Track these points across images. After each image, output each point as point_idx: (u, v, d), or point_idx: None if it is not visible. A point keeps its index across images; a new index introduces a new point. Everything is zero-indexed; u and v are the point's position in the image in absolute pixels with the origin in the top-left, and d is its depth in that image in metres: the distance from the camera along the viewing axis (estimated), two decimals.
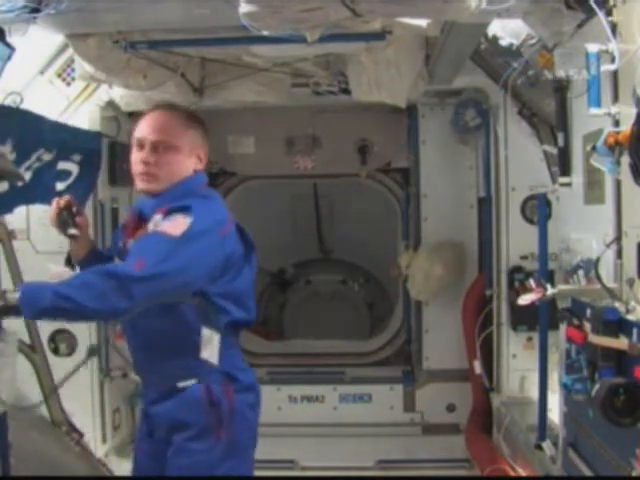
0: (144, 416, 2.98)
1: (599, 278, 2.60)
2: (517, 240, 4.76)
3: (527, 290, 2.92)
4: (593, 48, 2.54)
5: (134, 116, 4.52)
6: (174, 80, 4.28)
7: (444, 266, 5.41)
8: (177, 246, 2.55)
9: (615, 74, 2.61)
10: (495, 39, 3.57)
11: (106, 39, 3.71)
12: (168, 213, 2.68)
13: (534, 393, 4.12)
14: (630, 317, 2.43)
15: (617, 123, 2.57)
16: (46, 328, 4.60)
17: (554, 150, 3.61)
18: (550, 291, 2.87)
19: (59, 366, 4.61)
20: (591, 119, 2.69)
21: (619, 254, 2.63)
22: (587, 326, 2.68)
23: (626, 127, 2.41)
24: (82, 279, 2.52)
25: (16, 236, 4.49)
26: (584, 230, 3.02)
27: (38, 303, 2.38)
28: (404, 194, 6.24)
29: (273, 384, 5.74)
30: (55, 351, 4.67)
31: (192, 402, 2.77)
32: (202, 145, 2.90)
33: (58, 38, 3.95)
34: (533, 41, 3.36)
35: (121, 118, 4.89)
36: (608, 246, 2.67)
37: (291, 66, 4.44)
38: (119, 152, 4.82)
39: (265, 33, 2.97)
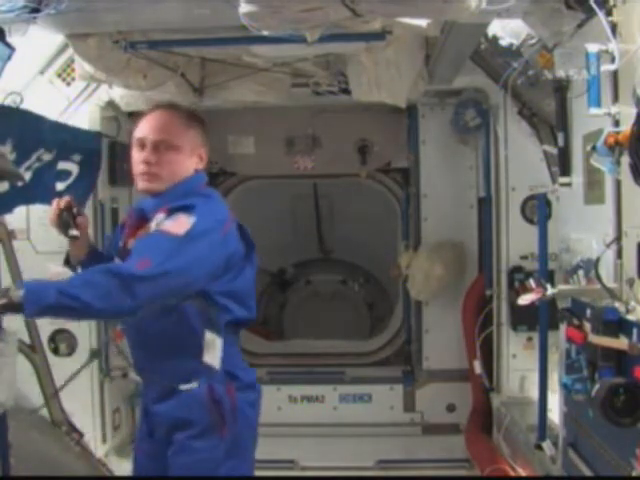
0: (144, 415, 2.98)
1: (599, 278, 2.60)
2: (517, 240, 4.76)
3: (527, 290, 2.92)
4: (593, 48, 2.54)
5: (134, 116, 4.51)
6: (174, 80, 4.28)
7: (444, 266, 5.41)
8: (180, 245, 2.56)
9: (615, 74, 2.61)
10: (495, 39, 3.57)
11: (106, 39, 3.71)
12: (171, 212, 2.68)
13: (534, 393, 4.12)
14: (630, 317, 2.43)
15: (617, 123, 2.57)
16: (46, 328, 4.60)
17: (554, 150, 3.61)
18: (550, 291, 2.87)
19: (59, 366, 4.61)
20: (591, 119, 2.69)
21: (619, 254, 2.63)
22: (587, 326, 2.68)
23: (626, 127, 2.41)
24: (86, 278, 2.53)
25: (16, 236, 4.49)
26: (584, 230, 3.02)
27: (42, 301, 2.38)
28: (404, 194, 6.24)
29: (273, 384, 5.74)
30: (55, 351, 4.67)
31: (194, 401, 2.77)
32: (203, 144, 2.91)
33: (58, 38, 3.95)
34: (533, 41, 3.36)
35: (121, 118, 4.89)
36: (608, 246, 2.67)
37: (291, 66, 4.44)
38: (119, 152, 4.83)
39: (265, 33, 2.97)
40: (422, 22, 3.40)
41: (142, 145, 2.80)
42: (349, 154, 6.08)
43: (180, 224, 2.61)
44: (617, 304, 2.52)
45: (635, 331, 2.36)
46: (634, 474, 2.40)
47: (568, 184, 3.18)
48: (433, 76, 4.39)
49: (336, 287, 8.28)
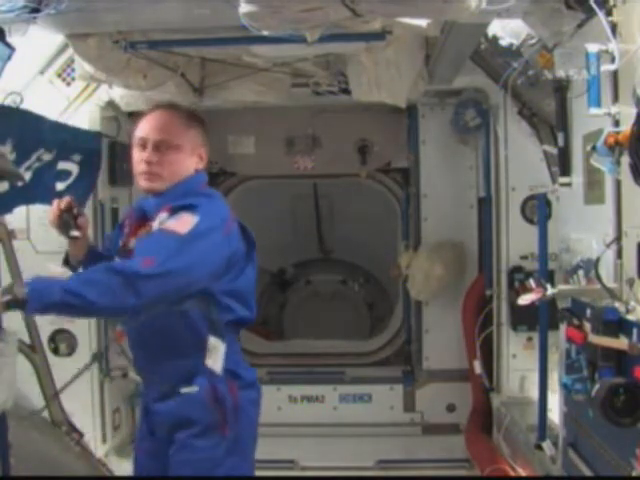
0: (144, 415, 2.98)
1: (599, 278, 2.60)
2: (517, 240, 4.76)
3: (527, 290, 2.92)
4: (593, 48, 2.54)
5: (134, 116, 4.52)
6: (174, 80, 4.29)
7: (444, 266, 5.41)
8: (184, 244, 2.56)
9: (615, 74, 2.61)
10: (495, 39, 3.57)
11: (106, 39, 3.71)
12: (174, 211, 2.69)
13: (534, 393, 4.12)
14: (630, 317, 2.43)
15: (617, 123, 2.57)
16: (46, 328, 4.60)
17: (554, 150, 3.61)
18: (550, 291, 2.87)
19: (59, 366, 4.61)
20: (591, 119, 2.69)
21: (619, 254, 2.63)
22: (587, 326, 2.68)
23: (626, 127, 2.41)
24: (90, 276, 2.53)
25: (16, 236, 4.49)
26: (584, 230, 3.02)
27: (46, 298, 2.39)
28: (404, 194, 6.24)
29: (273, 384, 5.74)
30: (55, 351, 4.67)
31: (196, 400, 2.78)
32: (203, 144, 2.92)
33: (58, 38, 3.95)
34: (533, 41, 3.36)
35: (121, 118, 4.89)
36: (608, 246, 2.67)
37: (291, 66, 4.44)
38: (119, 152, 4.83)
39: (265, 33, 2.97)
40: (422, 22, 3.40)
41: (143, 145, 2.81)
42: (349, 154, 6.08)
43: (184, 223, 2.62)
44: (617, 304, 2.52)
45: (635, 331, 2.36)
46: (634, 474, 2.40)
47: (568, 184, 3.18)
48: (433, 76, 4.39)
49: (336, 287, 8.28)
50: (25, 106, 4.09)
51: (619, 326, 2.45)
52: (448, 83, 4.64)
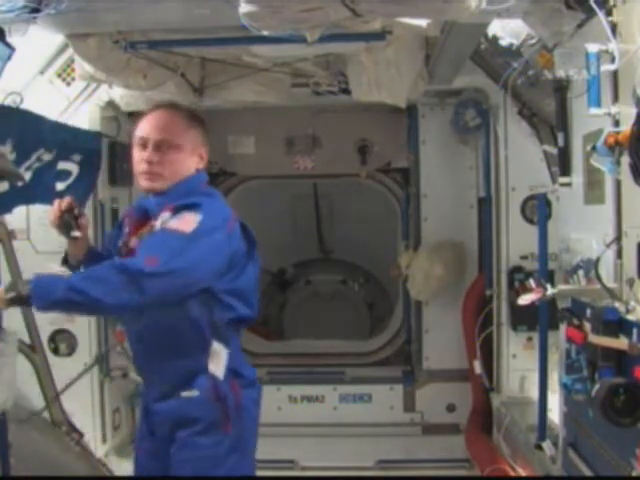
0: (145, 415, 2.98)
1: (599, 278, 2.60)
2: (517, 240, 4.76)
3: (527, 290, 2.92)
4: (593, 48, 2.54)
5: (134, 116, 4.52)
6: (174, 80, 4.28)
7: (444, 266, 5.41)
8: (188, 243, 2.57)
9: (615, 74, 2.61)
10: (495, 39, 3.57)
11: (106, 39, 3.71)
12: (176, 211, 2.70)
13: (534, 393, 4.12)
14: (630, 317, 2.43)
15: (617, 123, 2.57)
16: (46, 328, 4.60)
17: (554, 150, 3.61)
18: (550, 291, 2.87)
19: (59, 366, 4.60)
20: (591, 119, 2.69)
21: (619, 254, 2.63)
22: (587, 326, 2.68)
23: (626, 127, 2.41)
24: (95, 273, 2.54)
25: (16, 236, 4.49)
26: (584, 230, 3.02)
27: (51, 295, 2.40)
28: (404, 194, 6.24)
29: (273, 384, 5.74)
30: (55, 351, 4.67)
31: (198, 399, 2.78)
32: (203, 144, 2.93)
33: (58, 38, 3.94)
34: (533, 41, 3.36)
35: (121, 118, 4.89)
36: (608, 246, 2.67)
37: (291, 66, 4.44)
38: (119, 152, 4.83)
39: (265, 33, 2.97)
40: (422, 22, 3.40)
41: (144, 144, 2.82)
42: (349, 154, 6.08)
43: (187, 222, 2.62)
44: (617, 304, 2.52)
45: (635, 331, 2.36)
46: (634, 474, 2.40)
47: (568, 184, 3.18)
48: (433, 76, 4.39)
49: (336, 287, 8.28)
50: (25, 106, 4.08)
51: (619, 326, 2.45)
52: (448, 83, 4.63)
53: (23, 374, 4.26)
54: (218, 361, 2.79)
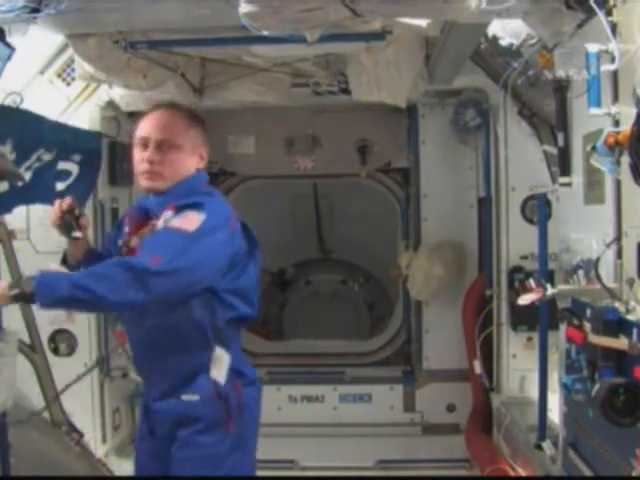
0: (144, 414, 2.99)
1: (599, 278, 2.60)
2: (517, 240, 4.76)
3: (527, 290, 2.92)
4: (593, 48, 2.54)
5: (134, 116, 4.52)
6: (174, 80, 4.28)
7: (444, 266, 5.41)
8: (192, 242, 2.58)
9: (615, 74, 2.61)
10: (495, 39, 3.57)
11: (106, 39, 3.70)
12: (179, 210, 2.71)
13: (534, 393, 4.12)
14: (630, 317, 2.43)
15: (617, 123, 2.57)
16: (46, 328, 4.60)
17: (554, 150, 3.61)
18: (550, 291, 2.87)
19: (59, 366, 4.61)
20: (591, 119, 2.69)
21: (619, 254, 2.63)
22: (587, 326, 2.68)
23: (626, 127, 2.41)
24: (99, 270, 2.54)
25: (16, 236, 4.49)
26: (584, 230, 3.02)
27: (55, 292, 2.40)
28: (404, 194, 6.24)
29: (273, 384, 5.74)
30: (55, 351, 4.67)
31: (199, 402, 2.78)
32: (203, 144, 2.94)
33: (58, 38, 3.94)
34: (533, 41, 3.36)
35: (121, 118, 4.89)
36: (608, 246, 2.67)
37: (291, 66, 4.44)
38: (119, 152, 4.82)
39: (265, 33, 2.97)
40: (422, 22, 3.40)
41: (144, 144, 2.83)
42: (349, 154, 6.08)
43: (190, 221, 2.63)
44: (617, 304, 2.52)
45: (635, 331, 2.36)
46: (634, 474, 2.40)
47: (568, 184, 3.18)
48: (433, 76, 4.39)
49: (336, 287, 8.28)
50: (25, 106, 4.08)
51: (619, 326, 2.45)
52: (448, 83, 4.63)
53: (23, 374, 4.26)
54: (220, 366, 2.80)
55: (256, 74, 4.45)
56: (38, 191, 4.10)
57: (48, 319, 4.57)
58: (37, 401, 4.51)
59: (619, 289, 2.59)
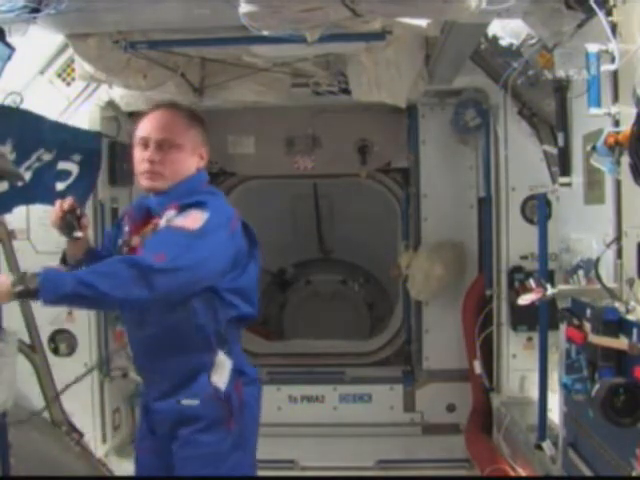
0: (144, 414, 2.99)
1: (599, 278, 2.60)
2: (517, 240, 4.76)
3: (527, 290, 2.92)
4: (593, 48, 2.54)
5: (134, 116, 4.52)
6: (174, 80, 4.28)
7: (444, 266, 5.41)
8: (195, 240, 2.59)
9: (615, 74, 2.61)
10: (495, 39, 3.57)
11: (106, 39, 3.70)
12: (182, 209, 2.71)
13: (534, 393, 4.12)
14: (630, 317, 2.43)
15: (617, 123, 2.57)
16: (46, 328, 4.60)
17: (554, 150, 3.61)
18: (550, 291, 2.86)
19: (59, 366, 4.61)
20: (591, 119, 2.69)
21: (619, 254, 2.63)
22: (587, 326, 2.68)
23: (626, 127, 2.41)
24: (104, 268, 2.54)
25: (16, 236, 4.49)
26: (584, 230, 3.02)
27: (59, 289, 2.40)
28: (404, 194, 6.24)
29: (273, 384, 5.73)
30: (55, 351, 4.67)
31: (199, 405, 2.79)
32: (203, 144, 2.94)
33: (58, 38, 3.94)
34: (533, 41, 3.36)
35: (121, 118, 4.89)
36: (608, 246, 2.67)
37: (291, 66, 4.44)
38: (119, 152, 4.83)
39: (265, 33, 2.97)
40: (422, 22, 3.40)
41: (145, 144, 2.83)
42: (349, 154, 6.08)
43: (193, 220, 2.64)
44: (617, 304, 2.52)
45: (635, 331, 2.36)
46: (634, 474, 2.40)
47: (568, 184, 3.17)
48: (433, 76, 4.39)
49: (336, 287, 8.28)
50: (25, 106, 4.08)
51: (619, 326, 2.45)
52: (448, 83, 4.63)
53: (23, 374, 4.27)
54: (222, 372, 2.80)
55: (256, 74, 4.45)
56: (38, 191, 4.10)
57: (48, 319, 4.57)
58: (37, 401, 4.51)
59: (619, 289, 2.59)
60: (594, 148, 2.58)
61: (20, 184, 3.87)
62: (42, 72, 4.38)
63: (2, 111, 3.90)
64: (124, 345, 4.65)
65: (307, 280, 8.36)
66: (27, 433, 4.20)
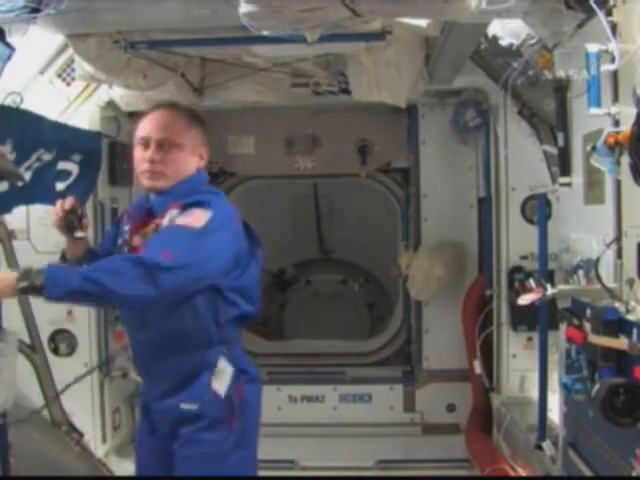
0: (145, 413, 3.00)
1: (599, 278, 2.60)
2: (517, 240, 4.75)
3: (527, 290, 2.92)
4: (593, 48, 2.54)
5: (134, 116, 4.52)
6: (174, 80, 4.28)
7: (444, 266, 5.41)
8: (200, 238, 2.59)
9: (615, 74, 2.61)
10: (495, 39, 3.57)
11: (106, 39, 3.70)
12: (184, 208, 2.72)
13: (534, 393, 4.12)
14: (630, 317, 2.43)
15: (617, 123, 2.57)
16: (46, 328, 4.61)
17: (554, 150, 3.61)
18: (550, 291, 2.86)
19: (59, 366, 4.61)
20: (591, 119, 2.69)
21: (619, 254, 2.63)
22: (587, 326, 2.68)
23: (626, 127, 2.41)
24: (109, 265, 2.54)
25: (16, 236, 4.49)
26: (584, 230, 3.02)
27: (65, 285, 2.38)
28: (404, 194, 6.24)
29: (273, 384, 5.73)
30: (55, 351, 4.67)
31: (197, 410, 2.79)
32: (203, 143, 2.95)
33: (58, 38, 3.94)
34: (533, 41, 3.36)
35: (121, 118, 4.89)
36: (608, 246, 2.67)
37: (291, 66, 4.44)
38: (119, 152, 4.83)
39: (265, 33, 2.97)
40: (422, 22, 3.40)
41: (145, 144, 2.84)
42: (349, 154, 6.08)
43: (197, 218, 2.65)
44: (617, 304, 2.52)
45: (635, 331, 2.36)
46: (634, 474, 2.40)
47: (568, 184, 3.17)
48: (433, 76, 4.39)
49: (336, 287, 8.27)
50: (25, 106, 4.09)
51: (619, 326, 2.45)
52: (448, 83, 4.63)
53: (23, 374, 4.27)
54: (223, 379, 2.80)
55: (256, 74, 4.45)
56: (38, 191, 4.10)
57: (48, 319, 4.58)
58: (37, 401, 4.51)
59: (619, 289, 2.59)
60: (594, 148, 2.58)
61: (20, 184, 3.88)
62: (42, 72, 4.38)
63: (2, 111, 3.90)
64: (125, 346, 4.65)
65: (307, 280, 8.36)
66: (27, 433, 4.20)
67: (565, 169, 3.18)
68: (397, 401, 5.79)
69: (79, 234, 2.93)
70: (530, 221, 4.69)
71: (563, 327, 3.09)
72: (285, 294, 8.29)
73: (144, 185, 2.87)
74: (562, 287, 2.98)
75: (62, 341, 4.68)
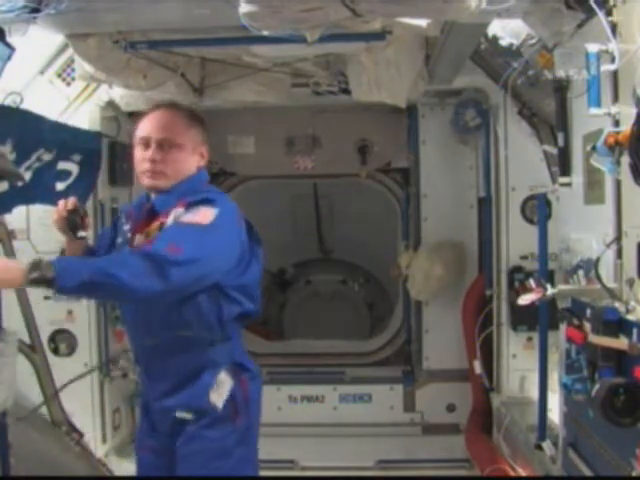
0: (145, 413, 3.00)
1: (599, 278, 2.60)
2: (517, 240, 4.75)
3: (527, 290, 2.92)
4: (593, 48, 2.54)
5: (134, 116, 4.52)
6: (174, 80, 4.28)
7: (444, 266, 5.41)
8: (207, 234, 2.60)
9: (615, 74, 2.61)
10: (495, 39, 3.57)
11: (106, 39, 3.71)
12: (189, 206, 2.72)
13: (534, 393, 4.12)
14: (630, 317, 2.43)
15: (617, 123, 2.57)
16: (46, 328, 4.61)
17: (554, 150, 3.61)
18: (550, 291, 2.86)
19: (59, 366, 4.60)
20: (591, 119, 2.69)
21: (619, 254, 2.63)
22: (587, 326, 2.68)
23: (626, 127, 2.41)
24: (120, 258, 2.57)
25: (16, 236, 4.49)
26: (584, 230, 3.02)
27: (76, 277, 2.36)
28: (404, 194, 6.24)
29: (273, 384, 5.73)
30: (55, 351, 4.67)
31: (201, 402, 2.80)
32: (203, 143, 2.96)
33: (58, 38, 3.95)
34: (533, 41, 3.36)
35: (121, 118, 4.89)
36: (608, 246, 2.67)
37: (291, 66, 4.44)
38: (119, 152, 4.83)
39: (265, 33, 2.97)
40: (422, 22, 3.40)
41: (146, 144, 2.84)
42: (349, 154, 6.08)
43: (204, 215, 2.65)
44: (617, 304, 2.52)
45: (635, 331, 2.36)
46: (634, 474, 2.40)
47: (568, 184, 3.17)
48: (433, 76, 4.39)
49: (336, 287, 8.27)
50: (25, 106, 4.09)
51: (619, 326, 2.45)
52: (448, 83, 4.63)
53: (23, 374, 4.27)
54: (222, 392, 2.81)
55: (256, 74, 4.45)
56: (38, 191, 4.10)
57: (48, 319, 4.58)
58: (37, 401, 4.50)
59: (619, 289, 2.59)
60: (594, 148, 2.58)
61: (20, 184, 3.87)
62: (42, 72, 4.38)
63: (2, 111, 3.90)
64: (125, 347, 4.65)
65: (307, 280, 8.36)
66: (27, 433, 4.20)
67: (565, 169, 3.18)
68: (397, 401, 5.79)
69: (82, 234, 2.94)
70: (530, 221, 4.69)
71: (563, 327, 3.09)
72: (285, 294, 8.29)
73: (145, 185, 2.88)
74: (562, 287, 2.98)
75: (62, 341, 4.68)
